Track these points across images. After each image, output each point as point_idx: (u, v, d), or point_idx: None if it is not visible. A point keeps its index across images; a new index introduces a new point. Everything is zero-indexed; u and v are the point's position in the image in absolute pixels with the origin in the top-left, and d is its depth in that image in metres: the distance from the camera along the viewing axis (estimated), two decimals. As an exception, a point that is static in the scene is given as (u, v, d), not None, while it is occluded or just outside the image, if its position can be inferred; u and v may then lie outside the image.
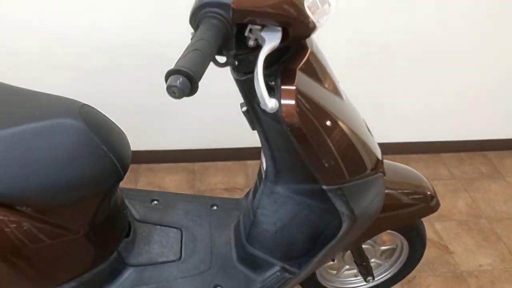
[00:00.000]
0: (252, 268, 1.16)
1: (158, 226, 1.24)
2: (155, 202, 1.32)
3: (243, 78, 0.82)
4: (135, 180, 1.90)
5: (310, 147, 0.78)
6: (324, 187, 0.83)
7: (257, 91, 0.67)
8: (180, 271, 1.14)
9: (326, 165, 0.80)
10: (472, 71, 1.92)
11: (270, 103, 0.66)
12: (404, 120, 2.05)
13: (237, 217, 1.30)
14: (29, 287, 0.95)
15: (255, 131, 1.00)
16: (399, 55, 1.82)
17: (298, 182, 1.01)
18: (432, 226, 1.78)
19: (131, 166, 1.98)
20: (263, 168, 1.06)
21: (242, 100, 0.93)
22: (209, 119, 1.90)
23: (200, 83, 0.59)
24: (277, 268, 1.13)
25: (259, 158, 2.09)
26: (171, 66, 0.57)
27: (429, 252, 1.66)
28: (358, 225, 0.93)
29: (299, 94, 0.75)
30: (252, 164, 2.04)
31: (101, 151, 0.89)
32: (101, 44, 1.61)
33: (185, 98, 0.58)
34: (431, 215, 1.79)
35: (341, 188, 0.84)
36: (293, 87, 0.75)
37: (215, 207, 1.35)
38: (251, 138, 1.97)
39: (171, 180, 1.92)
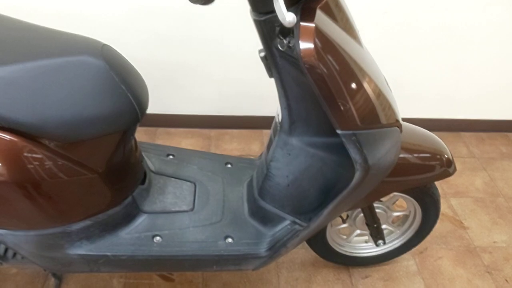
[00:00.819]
0: (262, 222, 1.17)
1: (173, 179, 1.26)
2: (171, 156, 1.33)
3: (263, 18, 0.81)
4: (152, 142, 1.93)
5: (326, 88, 0.77)
6: (339, 131, 0.83)
7: (275, 5, 0.67)
8: (192, 220, 1.16)
9: (342, 108, 0.79)
10: (496, 49, 1.86)
11: (288, 17, 0.65)
12: (425, 96, 2.01)
13: (250, 175, 1.31)
14: (46, 222, 0.98)
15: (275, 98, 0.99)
16: (419, 30, 1.78)
17: (313, 135, 1.01)
18: (447, 201, 1.75)
19: (148, 128, 2.02)
20: (278, 120, 1.06)
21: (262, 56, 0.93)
22: (227, 86, 1.90)
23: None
24: (287, 222, 1.14)
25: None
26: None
27: (443, 226, 1.64)
28: (371, 177, 0.93)
29: (318, 32, 0.74)
30: (267, 133, 2.05)
31: (120, 90, 0.91)
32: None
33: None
34: (447, 191, 1.79)
35: (356, 134, 0.83)
36: (312, 25, 0.74)
37: (229, 165, 1.36)
38: (268, 107, 1.98)
39: (186, 144, 1.93)
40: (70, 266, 1.05)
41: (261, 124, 2.04)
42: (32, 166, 0.87)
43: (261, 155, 1.40)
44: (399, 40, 1.81)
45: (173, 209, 1.18)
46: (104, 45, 0.93)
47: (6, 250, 1.09)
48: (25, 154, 0.86)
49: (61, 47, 0.89)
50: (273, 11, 0.74)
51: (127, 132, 1.00)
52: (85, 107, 0.88)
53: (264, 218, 1.17)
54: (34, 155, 0.87)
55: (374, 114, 0.86)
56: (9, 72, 0.82)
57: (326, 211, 1.01)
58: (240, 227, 1.17)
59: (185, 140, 1.96)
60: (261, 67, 0.95)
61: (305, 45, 0.74)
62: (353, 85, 0.80)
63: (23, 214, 0.93)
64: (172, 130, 2.00)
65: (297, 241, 1.11)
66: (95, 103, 0.88)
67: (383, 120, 0.89)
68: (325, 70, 0.76)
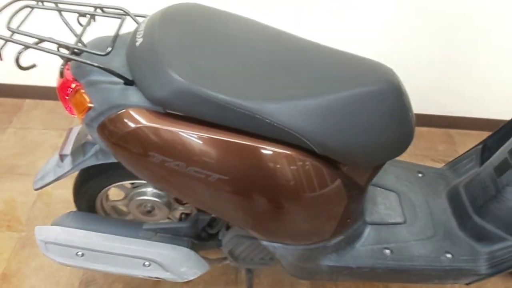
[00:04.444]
0: (476, 239, 1.20)
1: (378, 188, 1.29)
2: (366, 164, 1.36)
3: None
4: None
5: None
6: None
7: None
8: (411, 234, 1.20)
9: None
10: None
11: None
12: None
13: (444, 186, 1.34)
14: (317, 238, 1.02)
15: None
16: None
17: None
18: None
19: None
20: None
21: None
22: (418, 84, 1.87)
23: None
24: (509, 243, 1.16)
25: (466, 128, 2.02)
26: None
27: None
28: None
29: None
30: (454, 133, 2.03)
31: (408, 117, 0.92)
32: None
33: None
34: None
35: None
36: None
37: (420, 174, 1.38)
38: (458, 106, 1.95)
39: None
40: (315, 275, 1.10)
41: (448, 123, 2.03)
42: (319, 185, 0.90)
43: (449, 164, 1.42)
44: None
45: (389, 221, 1.21)
46: (391, 69, 0.93)
47: (239, 254, 1.14)
48: (316, 175, 0.89)
49: (360, 74, 0.90)
50: None
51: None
52: (382, 133, 0.89)
53: (478, 235, 1.20)
54: (321, 175, 0.89)
55: None
56: (327, 101, 0.84)
57: None
58: (454, 242, 1.20)
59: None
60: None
61: None
62: None
63: (304, 231, 0.97)
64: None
65: (525, 263, 1.14)
66: (391, 129, 0.90)
67: None
68: None
